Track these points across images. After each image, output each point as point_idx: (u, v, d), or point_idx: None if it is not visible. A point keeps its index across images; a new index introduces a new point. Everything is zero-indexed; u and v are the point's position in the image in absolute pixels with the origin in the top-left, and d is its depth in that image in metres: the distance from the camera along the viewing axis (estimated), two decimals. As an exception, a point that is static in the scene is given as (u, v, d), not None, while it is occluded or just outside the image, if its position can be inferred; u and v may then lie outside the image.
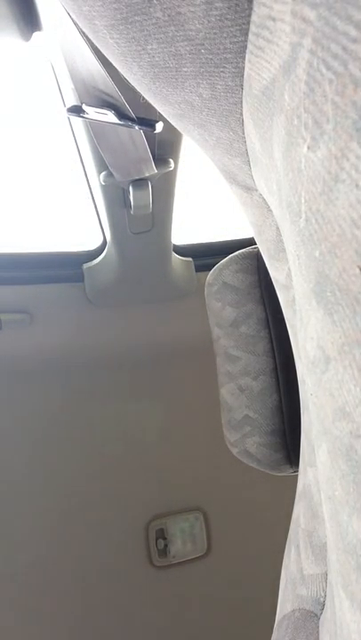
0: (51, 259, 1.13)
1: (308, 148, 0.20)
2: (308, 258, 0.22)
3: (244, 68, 0.24)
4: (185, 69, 0.26)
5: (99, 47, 0.30)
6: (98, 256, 1.11)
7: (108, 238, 1.05)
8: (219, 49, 0.24)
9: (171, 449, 1.33)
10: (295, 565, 0.37)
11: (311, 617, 0.34)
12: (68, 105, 0.64)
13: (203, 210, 1.36)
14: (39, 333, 1.15)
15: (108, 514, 1.29)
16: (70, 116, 0.63)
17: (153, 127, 0.61)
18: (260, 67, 0.23)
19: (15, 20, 0.55)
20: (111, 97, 0.56)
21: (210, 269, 0.53)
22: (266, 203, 0.32)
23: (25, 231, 1.26)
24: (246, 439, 0.50)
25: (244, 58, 0.24)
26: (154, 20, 0.25)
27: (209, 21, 0.23)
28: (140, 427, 1.30)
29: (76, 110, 0.61)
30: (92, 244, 1.12)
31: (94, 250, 1.12)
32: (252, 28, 0.22)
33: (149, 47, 0.26)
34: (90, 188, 0.98)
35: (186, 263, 1.16)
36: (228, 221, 1.29)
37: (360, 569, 0.22)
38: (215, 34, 0.24)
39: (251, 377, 0.49)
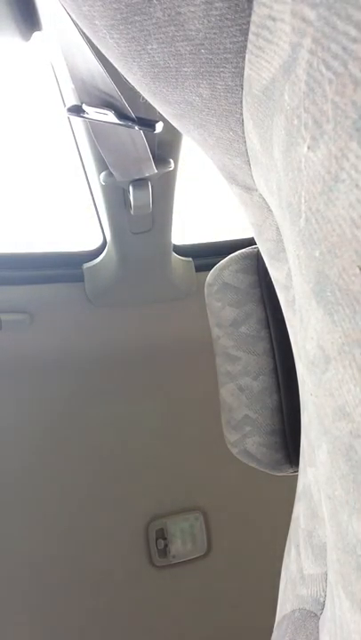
0: (51, 259, 1.13)
1: (308, 147, 0.21)
2: (308, 258, 0.22)
3: (244, 67, 0.24)
4: (185, 69, 0.26)
5: (99, 47, 0.30)
6: (98, 256, 1.11)
7: (108, 238, 1.05)
8: (219, 49, 0.24)
9: (171, 449, 1.33)
10: (295, 565, 0.37)
11: (311, 617, 0.34)
12: (68, 105, 0.64)
13: (203, 210, 1.37)
14: (39, 333, 1.15)
15: (108, 514, 1.29)
16: (70, 116, 0.63)
17: (153, 127, 0.61)
18: (260, 67, 0.23)
19: (15, 20, 0.55)
20: (111, 97, 0.56)
21: (210, 269, 0.53)
22: (266, 203, 0.32)
23: (25, 231, 1.26)
24: (246, 439, 0.50)
25: (244, 58, 0.24)
26: (154, 20, 0.25)
27: (209, 21, 0.23)
28: (140, 427, 1.30)
29: (76, 110, 0.61)
30: (92, 244, 1.12)
31: (94, 250, 1.12)
32: (252, 28, 0.22)
33: (149, 47, 0.26)
34: (90, 188, 0.98)
35: (186, 263, 1.16)
36: (227, 221, 1.29)
37: (360, 569, 0.22)
38: (215, 34, 0.24)
39: (251, 377, 0.49)
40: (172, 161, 0.85)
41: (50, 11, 0.50)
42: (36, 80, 0.99)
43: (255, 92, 0.24)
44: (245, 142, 0.29)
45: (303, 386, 0.34)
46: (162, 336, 1.24)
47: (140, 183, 0.87)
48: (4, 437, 1.22)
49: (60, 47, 0.54)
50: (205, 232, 1.29)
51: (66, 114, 0.63)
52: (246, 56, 0.24)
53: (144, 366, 1.27)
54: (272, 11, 0.21)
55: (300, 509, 0.37)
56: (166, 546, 1.33)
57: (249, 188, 0.33)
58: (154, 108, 0.33)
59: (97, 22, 0.27)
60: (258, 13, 0.22)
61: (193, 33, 0.24)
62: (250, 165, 0.30)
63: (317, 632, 0.32)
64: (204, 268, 1.15)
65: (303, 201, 0.22)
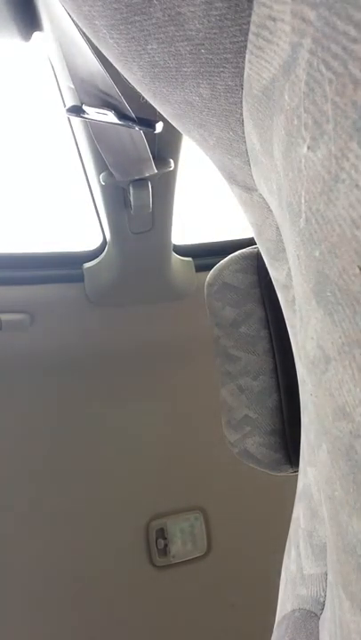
0: (51, 259, 1.13)
1: (308, 147, 0.20)
2: (308, 258, 0.22)
3: (244, 67, 0.24)
4: (185, 69, 0.26)
5: (99, 47, 0.30)
6: (98, 256, 1.11)
7: (108, 238, 1.05)
8: (219, 49, 0.24)
9: (171, 449, 1.33)
10: (295, 565, 0.37)
11: (311, 617, 0.34)
12: (68, 105, 0.64)
13: (203, 210, 1.37)
14: (39, 333, 1.15)
15: (108, 514, 1.29)
16: (70, 116, 0.63)
17: (153, 127, 0.61)
18: (260, 67, 0.23)
19: (15, 20, 0.55)
20: (111, 97, 0.56)
21: (210, 269, 0.53)
22: (266, 203, 0.32)
23: (25, 231, 1.26)
24: (246, 439, 0.50)
25: (244, 58, 0.24)
26: (154, 20, 0.25)
27: (209, 21, 0.23)
28: (140, 426, 1.30)
29: (76, 110, 0.62)
30: (92, 244, 1.12)
31: (94, 250, 1.12)
32: (252, 28, 0.22)
33: (149, 47, 0.26)
34: (90, 188, 0.98)
35: (186, 263, 1.16)
36: (228, 221, 1.29)
37: (360, 569, 0.22)
38: (215, 34, 0.24)
39: (251, 377, 0.49)
40: (172, 161, 0.85)
41: (50, 11, 0.50)
42: (37, 80, 0.99)
43: (255, 92, 0.24)
44: (245, 142, 0.29)
45: (303, 386, 0.34)
46: (162, 336, 1.24)
47: (140, 183, 0.87)
48: (3, 437, 1.22)
49: (60, 47, 0.54)
50: (206, 232, 1.29)
51: (66, 114, 0.63)
52: (246, 56, 0.24)
53: (144, 366, 1.27)
54: (272, 11, 0.21)
55: (300, 509, 0.37)
56: (166, 546, 1.33)
57: (249, 188, 0.33)
58: (154, 108, 0.33)
59: (97, 22, 0.27)
60: (258, 13, 0.22)
61: (193, 33, 0.24)
62: (250, 165, 0.30)
63: (317, 632, 0.32)
64: (204, 267, 1.15)
65: (303, 201, 0.22)
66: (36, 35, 0.60)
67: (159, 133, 0.62)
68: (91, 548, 1.28)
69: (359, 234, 0.19)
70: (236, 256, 0.50)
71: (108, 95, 0.56)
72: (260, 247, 0.37)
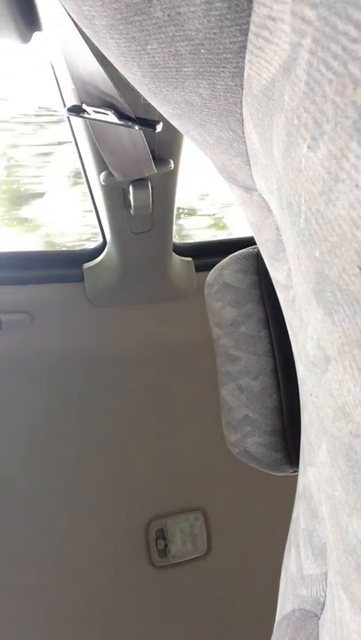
0: (51, 259, 1.13)
1: (308, 147, 0.20)
2: (308, 258, 0.22)
3: (244, 67, 0.24)
4: (185, 69, 0.26)
5: (99, 47, 0.30)
6: (98, 256, 1.11)
7: (108, 238, 1.05)
8: (219, 49, 0.24)
9: (170, 449, 1.33)
10: (295, 565, 0.37)
11: (311, 617, 0.34)
12: (68, 105, 0.64)
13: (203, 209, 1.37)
14: (39, 333, 1.15)
15: (108, 514, 1.29)
16: (70, 116, 0.63)
17: (153, 127, 0.61)
18: (260, 67, 0.23)
19: (15, 20, 0.55)
20: (111, 97, 0.56)
21: (210, 269, 0.53)
22: (266, 203, 0.32)
23: (25, 231, 1.26)
24: (246, 439, 0.50)
25: (244, 58, 0.24)
26: (154, 20, 0.25)
27: (209, 21, 0.23)
28: (140, 426, 1.30)
29: (76, 110, 0.62)
30: (92, 243, 1.12)
31: (94, 250, 1.12)
32: (252, 28, 0.22)
33: (149, 47, 0.26)
34: (90, 188, 0.98)
35: (186, 263, 1.16)
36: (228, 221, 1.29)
37: (360, 569, 0.22)
38: (215, 34, 0.24)
39: (251, 377, 0.49)
40: (172, 161, 0.85)
41: (50, 11, 0.50)
42: (37, 80, 0.99)
43: (255, 92, 0.24)
44: (245, 142, 0.29)
45: (303, 386, 0.34)
46: (162, 336, 1.24)
47: (140, 183, 0.87)
48: (3, 437, 1.22)
49: (60, 47, 0.54)
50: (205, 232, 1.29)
51: (66, 113, 0.63)
52: (246, 56, 0.24)
53: (144, 366, 1.27)
54: (272, 11, 0.21)
55: (300, 509, 0.37)
56: (166, 546, 1.33)
57: (249, 188, 0.33)
58: (154, 108, 0.33)
59: (97, 22, 0.27)
60: (258, 13, 0.22)
61: (193, 33, 0.24)
62: (250, 165, 0.30)
63: (317, 632, 0.32)
64: (204, 267, 1.15)
65: (303, 201, 0.22)
66: (36, 35, 0.60)
67: (159, 133, 0.62)
68: (91, 549, 1.28)
69: (359, 234, 0.19)
70: (236, 256, 0.50)
71: (108, 95, 0.56)
72: (260, 247, 0.37)
